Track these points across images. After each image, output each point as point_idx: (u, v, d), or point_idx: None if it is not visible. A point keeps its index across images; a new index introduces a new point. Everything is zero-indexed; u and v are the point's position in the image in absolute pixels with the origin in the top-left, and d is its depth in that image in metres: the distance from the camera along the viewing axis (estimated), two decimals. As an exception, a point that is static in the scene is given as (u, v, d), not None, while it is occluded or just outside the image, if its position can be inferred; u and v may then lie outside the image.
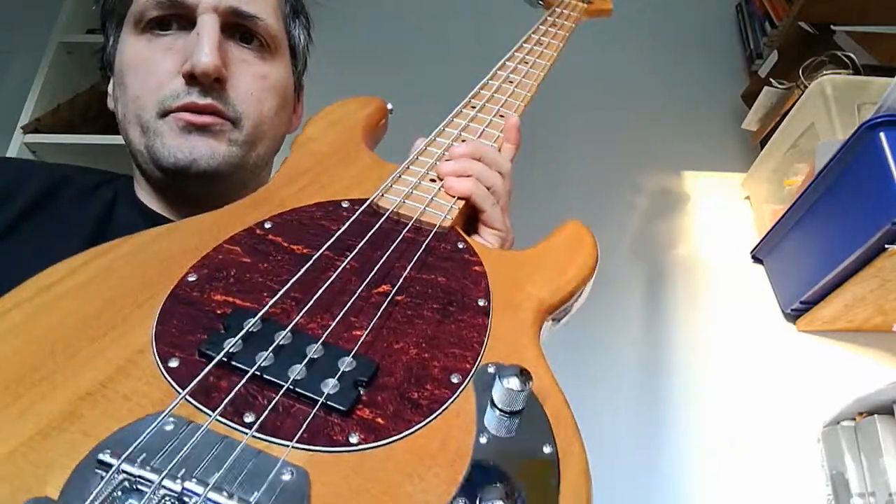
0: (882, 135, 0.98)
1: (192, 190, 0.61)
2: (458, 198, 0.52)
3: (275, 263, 0.43)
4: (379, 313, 0.40)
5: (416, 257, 0.45)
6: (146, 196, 0.64)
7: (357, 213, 0.48)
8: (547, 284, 0.45)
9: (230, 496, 0.28)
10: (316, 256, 0.43)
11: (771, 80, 1.42)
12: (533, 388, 0.33)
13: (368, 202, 0.49)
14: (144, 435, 0.30)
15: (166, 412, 0.31)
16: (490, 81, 0.68)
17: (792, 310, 1.24)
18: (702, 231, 1.43)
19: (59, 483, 0.28)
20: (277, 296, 0.39)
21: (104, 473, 0.28)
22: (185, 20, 0.58)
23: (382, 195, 0.51)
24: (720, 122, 1.60)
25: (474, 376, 0.37)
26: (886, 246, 0.97)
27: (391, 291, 0.42)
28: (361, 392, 0.35)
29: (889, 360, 1.19)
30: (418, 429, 0.34)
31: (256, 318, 0.37)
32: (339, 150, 0.56)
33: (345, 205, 0.49)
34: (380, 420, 0.34)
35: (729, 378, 1.21)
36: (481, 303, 0.42)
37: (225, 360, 0.35)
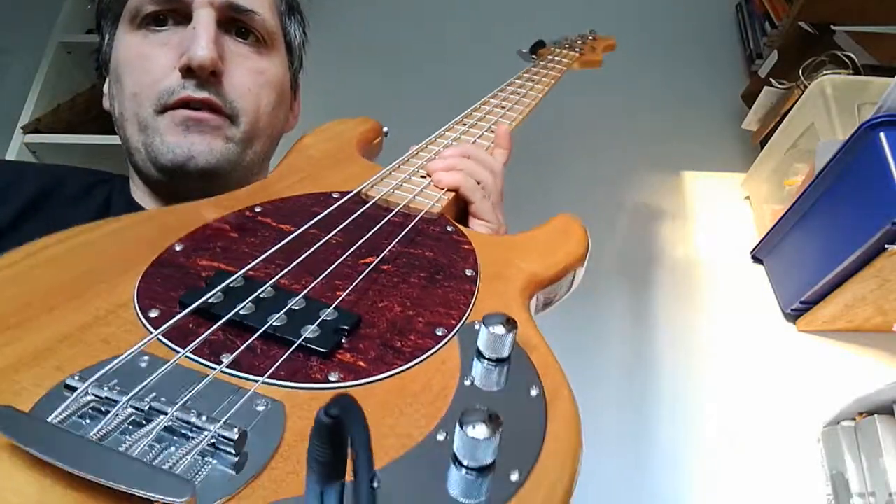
0: (882, 135, 0.98)
1: (189, 188, 0.61)
2: (447, 190, 0.53)
3: (261, 238, 0.43)
4: (363, 276, 0.40)
5: (402, 235, 0.46)
6: (142, 196, 0.64)
7: (344, 199, 0.49)
8: (538, 261, 0.45)
9: (199, 415, 0.28)
10: (302, 230, 0.44)
11: (771, 80, 1.42)
12: (518, 336, 0.33)
13: (356, 191, 0.50)
14: (115, 363, 0.30)
15: (138, 346, 0.32)
16: (481, 105, 0.71)
17: (792, 310, 1.24)
18: (702, 231, 1.43)
19: (26, 407, 0.28)
20: (261, 258, 0.40)
21: (70, 395, 0.28)
22: (181, 15, 0.58)
23: (371, 186, 0.52)
24: (720, 122, 1.60)
25: (460, 331, 0.36)
26: (886, 246, 0.97)
27: (376, 261, 0.42)
28: (343, 339, 0.35)
29: (889, 360, 1.19)
30: (400, 371, 0.33)
31: (238, 274, 0.38)
32: (334, 155, 0.58)
33: (335, 195, 0.50)
34: (361, 363, 0.33)
35: (729, 378, 1.21)
36: (469, 273, 0.42)
37: (204, 308, 0.35)
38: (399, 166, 0.56)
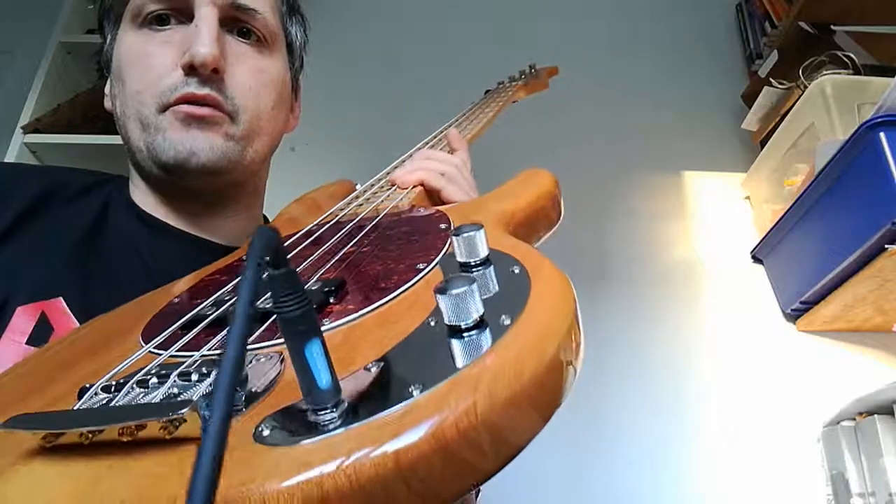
0: (882, 135, 0.98)
1: (190, 186, 0.61)
2: (413, 186, 0.56)
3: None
4: (342, 254, 0.42)
5: (375, 222, 0.48)
6: (141, 197, 0.64)
7: (313, 225, 0.52)
8: (508, 200, 0.46)
9: (199, 373, 0.29)
10: (294, 239, 0.47)
11: (771, 80, 1.42)
12: (494, 241, 0.33)
13: (325, 215, 0.54)
14: (122, 365, 0.32)
15: (143, 350, 0.34)
16: (429, 138, 0.75)
17: (792, 310, 1.24)
18: (702, 231, 1.43)
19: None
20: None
21: (80, 401, 0.30)
22: (184, 14, 0.58)
23: (340, 209, 0.55)
24: (720, 122, 1.60)
25: (440, 261, 0.37)
26: (886, 246, 0.97)
27: (354, 249, 0.44)
28: (330, 300, 0.35)
29: (889, 360, 1.19)
30: (388, 300, 0.34)
31: (226, 287, 0.40)
32: (307, 209, 0.63)
33: (306, 228, 0.53)
34: (350, 307, 0.34)
35: (729, 378, 1.21)
36: (443, 226, 0.43)
37: (199, 320, 0.36)
38: (363, 191, 0.60)
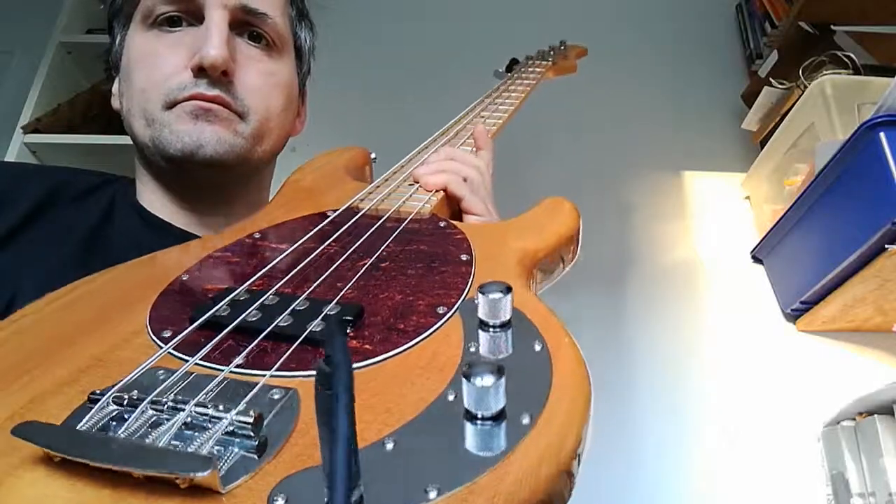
0: (882, 135, 0.98)
1: (198, 179, 0.61)
2: (436, 190, 0.55)
3: (263, 258, 0.45)
4: (361, 272, 0.41)
5: (396, 234, 0.47)
6: (146, 197, 0.64)
7: (335, 214, 0.50)
8: (530, 237, 0.46)
9: (215, 408, 0.28)
10: (300, 243, 0.45)
11: (771, 80, 1.42)
12: (516, 300, 0.33)
13: (346, 205, 0.52)
14: (133, 374, 0.31)
15: (154, 357, 0.33)
16: (459, 120, 0.73)
17: (792, 310, 1.24)
18: (702, 231, 1.43)
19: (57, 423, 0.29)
20: (262, 271, 0.41)
21: (94, 407, 0.29)
22: (194, 17, 0.59)
23: (361, 200, 0.53)
24: (720, 122, 1.60)
25: (461, 306, 0.37)
26: (886, 246, 0.97)
27: (372, 259, 0.43)
28: (348, 330, 0.35)
29: (889, 360, 1.19)
30: (407, 348, 0.34)
31: (242, 287, 0.39)
32: (324, 182, 0.60)
33: (329, 214, 0.51)
34: (367, 346, 0.34)
35: (729, 378, 1.21)
36: (464, 257, 0.43)
37: (213, 321, 0.36)
38: (386, 179, 0.58)
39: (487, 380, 0.26)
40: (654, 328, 1.29)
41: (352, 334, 0.35)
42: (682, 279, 1.36)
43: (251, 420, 0.27)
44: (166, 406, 0.29)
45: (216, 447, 0.27)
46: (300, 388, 0.31)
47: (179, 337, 0.35)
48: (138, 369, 0.32)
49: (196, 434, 0.28)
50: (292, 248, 0.45)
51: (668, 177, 1.53)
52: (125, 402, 0.29)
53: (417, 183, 0.56)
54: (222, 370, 0.32)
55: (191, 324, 0.36)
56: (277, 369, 0.32)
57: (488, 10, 1.82)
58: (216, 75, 0.57)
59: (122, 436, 0.27)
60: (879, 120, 0.98)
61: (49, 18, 1.61)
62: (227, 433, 0.27)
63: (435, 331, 0.35)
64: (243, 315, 0.36)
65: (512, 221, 0.50)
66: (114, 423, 0.29)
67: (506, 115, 0.74)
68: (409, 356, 0.34)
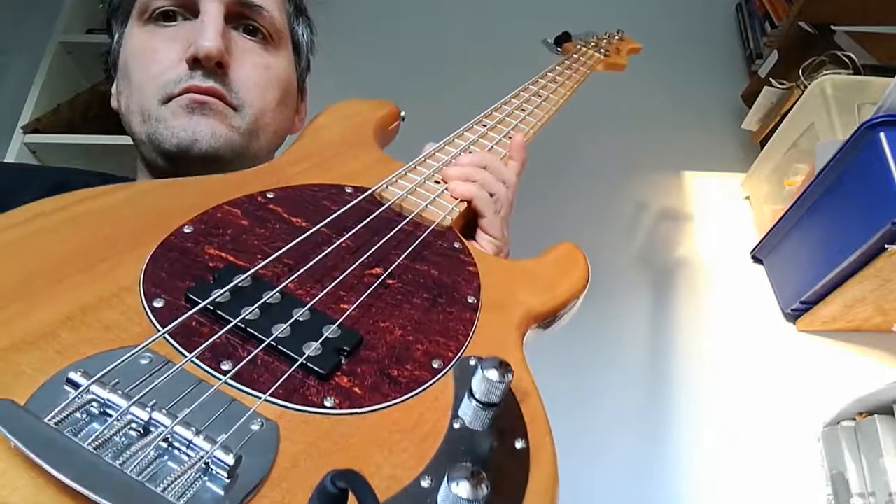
0: (882, 135, 0.98)
1: (194, 174, 0.61)
2: (461, 200, 0.53)
3: (272, 231, 0.43)
4: (368, 291, 0.40)
5: (411, 248, 0.45)
6: None
7: (359, 199, 0.48)
8: (538, 294, 0.45)
9: (197, 433, 0.28)
10: (313, 230, 0.43)
11: (771, 80, 1.42)
12: (511, 383, 0.33)
13: (371, 191, 0.49)
14: (118, 362, 0.30)
15: (143, 345, 0.32)
16: (503, 105, 0.69)
17: (792, 310, 1.24)
18: (702, 231, 1.43)
19: (25, 393, 0.28)
20: (271, 258, 0.40)
21: (72, 391, 0.28)
22: (190, 11, 0.59)
23: (386, 187, 0.51)
24: (720, 122, 1.60)
25: (456, 365, 0.37)
26: (886, 246, 0.97)
27: (383, 274, 0.42)
28: (342, 360, 0.35)
29: (889, 360, 1.19)
30: (394, 404, 0.34)
31: (247, 274, 0.37)
32: (349, 140, 0.57)
33: (348, 190, 0.49)
34: (357, 390, 0.34)
35: (729, 378, 1.21)
36: (470, 300, 0.42)
37: (210, 308, 0.35)
38: (415, 167, 0.55)
39: (466, 490, 0.26)
40: (654, 328, 1.29)
41: (345, 367, 0.35)
42: (682, 279, 1.36)
43: (230, 463, 0.27)
44: (147, 418, 0.28)
45: (185, 475, 0.27)
46: (281, 423, 0.31)
47: (174, 324, 0.33)
48: (123, 358, 0.30)
49: (172, 455, 0.27)
50: (306, 231, 0.43)
51: (668, 177, 1.53)
52: (104, 397, 0.28)
53: (446, 182, 0.54)
54: (216, 378, 0.32)
55: (186, 301, 0.35)
56: (270, 395, 0.32)
57: (488, 9, 1.82)
58: (211, 67, 0.56)
59: (95, 443, 0.26)
60: (879, 120, 0.98)
61: (49, 18, 1.61)
62: (202, 463, 0.27)
63: (426, 389, 0.35)
64: (243, 313, 0.35)
65: (525, 266, 0.49)
66: (88, 415, 0.28)
67: (547, 116, 0.71)
68: (395, 412, 0.33)
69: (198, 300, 0.35)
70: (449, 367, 0.37)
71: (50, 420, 0.26)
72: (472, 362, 0.37)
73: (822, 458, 1.08)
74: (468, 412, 0.33)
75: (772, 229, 1.26)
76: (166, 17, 0.59)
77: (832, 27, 1.39)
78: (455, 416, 0.33)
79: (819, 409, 1.10)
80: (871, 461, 0.98)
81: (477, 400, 0.33)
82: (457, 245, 0.48)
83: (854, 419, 1.04)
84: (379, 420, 0.32)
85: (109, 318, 0.33)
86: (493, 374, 0.32)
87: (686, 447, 1.15)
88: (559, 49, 0.94)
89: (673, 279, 1.36)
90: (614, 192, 1.49)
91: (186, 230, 0.40)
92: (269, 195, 0.46)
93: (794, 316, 1.24)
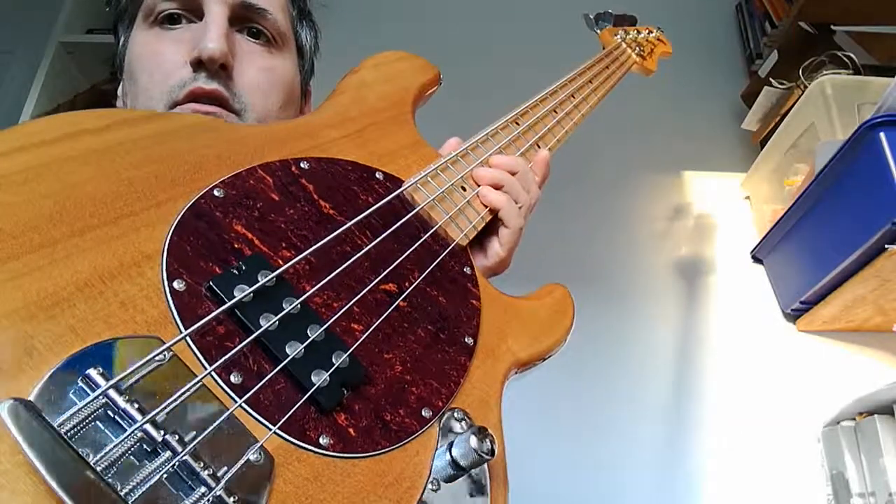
0: (882, 135, 0.98)
1: None
2: (487, 210, 0.54)
3: (300, 214, 0.42)
4: (381, 318, 0.41)
5: (428, 270, 0.46)
6: None
7: (389, 197, 0.47)
8: (525, 346, 0.48)
9: (204, 466, 0.28)
10: (341, 230, 0.43)
11: (771, 80, 1.42)
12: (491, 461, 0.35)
13: (402, 189, 0.49)
14: (136, 367, 0.29)
15: (164, 347, 0.31)
16: (539, 104, 0.68)
17: (792, 310, 1.24)
18: (702, 231, 1.43)
19: (34, 376, 0.27)
20: (296, 259, 0.39)
21: (87, 389, 0.28)
22: (195, 14, 0.59)
23: (417, 187, 0.50)
24: (720, 122, 1.60)
25: (443, 416, 0.39)
26: (886, 246, 0.97)
27: (396, 293, 0.43)
28: (345, 393, 0.36)
29: (889, 360, 1.19)
30: (381, 453, 0.36)
31: (272, 276, 0.37)
32: (389, 109, 0.56)
33: (378, 176, 0.49)
34: (351, 431, 0.35)
35: (729, 378, 1.21)
36: (468, 341, 0.45)
37: (233, 305, 0.34)
38: (446, 166, 0.54)
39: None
40: (654, 328, 1.29)
41: (345, 401, 0.36)
42: (683, 279, 1.36)
43: None
44: (161, 440, 0.28)
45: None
46: (277, 457, 0.31)
47: (197, 326, 0.32)
48: (141, 362, 0.30)
49: (172, 488, 0.27)
50: (332, 225, 0.42)
51: (668, 177, 1.53)
52: (122, 406, 0.28)
53: (476, 183, 0.55)
54: (231, 399, 0.32)
55: (208, 291, 0.34)
56: (279, 428, 0.32)
57: (488, 10, 1.82)
58: (214, 69, 0.57)
59: (104, 462, 0.26)
60: (879, 120, 0.98)
61: (49, 18, 1.62)
62: (204, 499, 0.28)
63: (412, 440, 0.37)
64: (264, 324, 0.35)
65: (520, 308, 0.50)
66: (100, 421, 0.28)
67: (574, 126, 0.71)
68: (381, 464, 0.35)
69: (221, 295, 0.34)
70: (436, 417, 0.39)
71: (63, 426, 0.26)
72: (458, 415, 0.40)
73: (822, 458, 1.08)
74: (443, 471, 0.36)
75: (772, 229, 1.26)
76: (171, 19, 0.59)
77: (832, 27, 1.39)
78: (431, 478, 0.36)
79: (819, 409, 1.10)
80: (871, 461, 0.98)
81: (455, 461, 0.36)
82: (467, 271, 0.49)
83: (854, 419, 1.04)
84: (365, 469, 0.34)
85: (127, 293, 0.32)
86: (476, 446, 0.35)
87: (686, 447, 1.15)
88: (596, 31, 0.90)
89: (673, 280, 1.36)
90: (614, 192, 1.49)
91: (217, 193, 0.39)
92: (303, 165, 0.45)
93: (794, 316, 1.24)
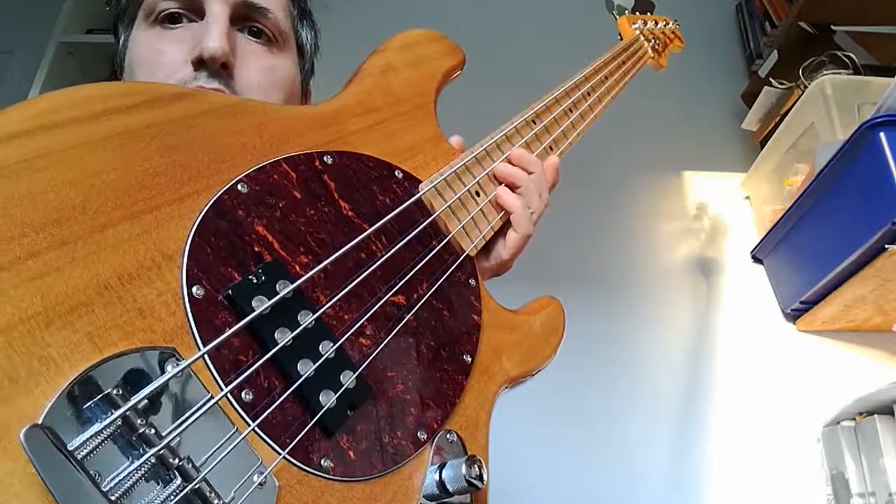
0: (882, 135, 0.98)
1: None
2: (499, 217, 0.54)
3: (320, 215, 0.42)
4: (390, 335, 0.41)
5: (437, 284, 0.46)
6: None
7: (408, 203, 0.47)
8: (517, 364, 0.50)
9: (214, 493, 0.29)
10: (360, 239, 0.42)
11: (771, 80, 1.42)
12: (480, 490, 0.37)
13: (420, 194, 0.49)
14: (154, 387, 0.29)
15: (182, 367, 0.30)
16: (555, 103, 0.67)
17: (792, 310, 1.24)
18: (702, 231, 1.43)
19: (49, 390, 0.27)
20: (315, 270, 0.39)
21: (102, 409, 0.27)
22: (195, 13, 0.59)
23: (435, 193, 0.50)
24: (720, 122, 1.60)
25: (436, 437, 0.41)
26: (886, 246, 0.97)
27: (405, 307, 0.43)
28: (349, 415, 0.37)
29: (889, 360, 1.19)
30: (377, 477, 0.36)
31: (291, 288, 0.36)
32: (413, 99, 0.55)
33: (398, 174, 0.48)
34: (351, 454, 0.36)
35: (729, 378, 1.21)
36: (467, 359, 0.46)
37: (248, 319, 0.34)
38: (464, 169, 0.53)
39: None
40: (654, 328, 1.29)
41: (349, 423, 0.36)
42: (683, 279, 1.36)
43: None
44: (177, 466, 0.28)
45: None
46: (281, 479, 0.32)
47: (215, 343, 0.32)
48: (158, 382, 0.29)
49: None
50: (350, 231, 0.42)
51: (668, 177, 1.53)
52: (139, 429, 0.28)
53: (489, 192, 0.55)
54: (245, 422, 0.32)
55: (226, 299, 0.34)
56: (287, 452, 0.33)
57: (488, 10, 1.82)
58: (215, 68, 0.57)
59: (119, 489, 0.27)
60: (879, 120, 0.98)
61: (49, 18, 1.62)
62: None
63: (406, 462, 0.38)
64: (280, 340, 0.35)
65: (516, 323, 0.51)
66: (114, 442, 0.28)
67: (587, 127, 0.71)
68: (376, 486, 0.36)
69: (239, 304, 0.34)
70: (431, 439, 0.40)
71: (79, 451, 0.26)
72: (450, 437, 0.41)
73: (822, 458, 1.08)
74: (431, 490, 0.38)
75: (772, 229, 1.26)
76: (172, 19, 0.59)
77: (832, 27, 1.39)
78: (419, 501, 0.38)
79: (819, 409, 1.10)
80: (871, 461, 0.98)
81: (443, 483, 0.37)
82: (472, 282, 0.49)
83: (854, 419, 1.04)
84: (360, 493, 0.35)
85: (146, 299, 0.31)
86: (467, 476, 0.36)
87: (686, 447, 1.15)
88: (614, 14, 0.90)
89: (673, 279, 1.36)
90: (614, 192, 1.49)
91: (241, 189, 0.38)
92: (327, 160, 0.44)
93: (794, 316, 1.25)
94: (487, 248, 0.56)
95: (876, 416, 0.99)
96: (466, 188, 0.52)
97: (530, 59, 1.25)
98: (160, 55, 0.58)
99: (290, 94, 0.64)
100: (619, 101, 1.58)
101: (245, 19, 0.61)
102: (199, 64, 0.57)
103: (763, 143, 1.40)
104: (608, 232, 1.43)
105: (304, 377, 0.34)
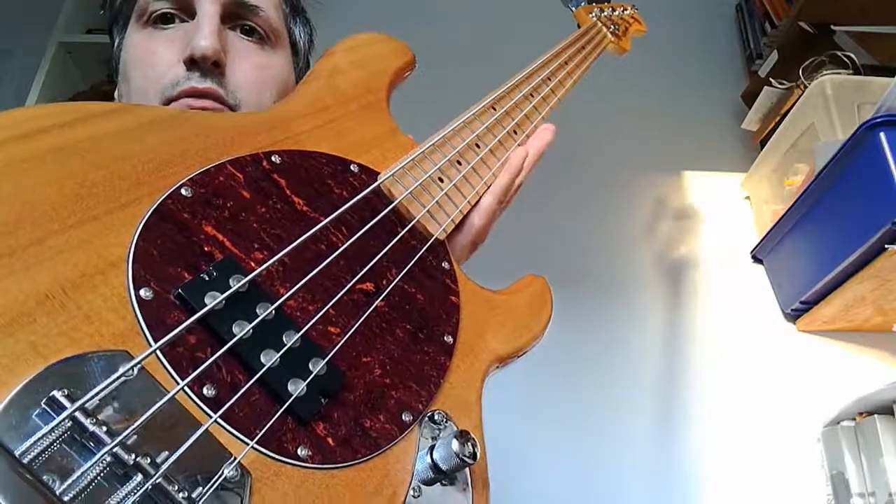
0: (882, 135, 0.98)
1: None
2: (467, 201, 0.53)
3: (272, 212, 0.41)
4: (359, 320, 0.40)
5: (406, 269, 0.45)
6: None
7: (365, 192, 0.46)
8: (505, 342, 0.48)
9: (178, 488, 0.27)
10: (316, 229, 0.41)
11: (771, 80, 1.42)
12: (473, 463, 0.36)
13: (378, 183, 0.47)
14: (103, 386, 0.28)
15: (134, 364, 0.29)
16: (514, 89, 0.67)
17: (792, 310, 1.24)
18: (702, 231, 1.43)
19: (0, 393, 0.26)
20: (269, 262, 0.38)
21: (51, 412, 0.26)
22: (187, 13, 0.59)
23: (394, 180, 0.49)
24: (720, 122, 1.60)
25: (423, 418, 0.39)
26: (886, 246, 0.97)
27: (374, 293, 0.42)
28: (323, 402, 0.35)
29: (889, 360, 1.19)
30: (361, 462, 0.35)
31: (244, 281, 0.35)
32: (363, 97, 0.54)
33: (353, 168, 0.47)
34: (330, 441, 0.34)
35: (729, 378, 1.21)
36: (448, 339, 0.44)
37: (202, 316, 0.33)
38: (423, 157, 0.52)
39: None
40: (654, 328, 1.29)
41: (323, 410, 0.35)
42: (682, 279, 1.36)
43: None
44: (133, 463, 0.27)
45: None
46: (254, 472, 0.30)
47: (167, 339, 0.31)
48: (109, 382, 0.28)
49: None
50: (305, 223, 0.41)
51: (668, 177, 1.53)
52: (89, 429, 0.27)
53: (452, 178, 0.54)
54: (206, 415, 0.31)
55: (177, 299, 0.33)
56: (256, 442, 0.32)
57: (488, 10, 1.82)
58: (207, 67, 0.57)
59: (71, 492, 0.25)
60: (879, 120, 0.98)
61: (49, 18, 1.62)
62: None
63: (393, 445, 0.37)
64: (237, 332, 0.33)
65: (499, 302, 0.50)
66: (66, 445, 0.27)
67: (549, 110, 0.70)
68: (361, 472, 0.35)
69: (191, 303, 0.33)
70: (416, 420, 0.39)
71: (26, 454, 0.25)
72: (438, 417, 0.40)
73: (822, 458, 1.08)
74: (424, 474, 0.36)
75: (772, 229, 1.26)
76: (164, 19, 0.59)
77: (832, 27, 1.39)
78: (413, 484, 0.36)
79: (819, 409, 1.10)
80: (871, 461, 0.98)
81: (436, 464, 0.36)
82: (445, 266, 0.48)
83: (854, 419, 1.04)
84: (345, 480, 0.34)
85: (91, 305, 0.31)
86: (458, 451, 0.35)
87: (686, 447, 1.15)
88: (572, 7, 0.90)
89: (673, 279, 1.36)
90: (614, 192, 1.49)
91: (185, 193, 0.37)
92: (275, 159, 0.43)
93: (794, 316, 1.24)
94: (459, 226, 0.55)
95: (876, 416, 0.99)
96: (427, 174, 0.51)
97: (493, 58, 1.25)
98: (152, 56, 0.58)
99: (283, 91, 0.64)
100: (618, 101, 1.58)
101: (236, 17, 0.61)
102: (191, 63, 0.57)
103: (763, 143, 1.40)
104: (608, 231, 1.43)
105: (267, 367, 0.33)
